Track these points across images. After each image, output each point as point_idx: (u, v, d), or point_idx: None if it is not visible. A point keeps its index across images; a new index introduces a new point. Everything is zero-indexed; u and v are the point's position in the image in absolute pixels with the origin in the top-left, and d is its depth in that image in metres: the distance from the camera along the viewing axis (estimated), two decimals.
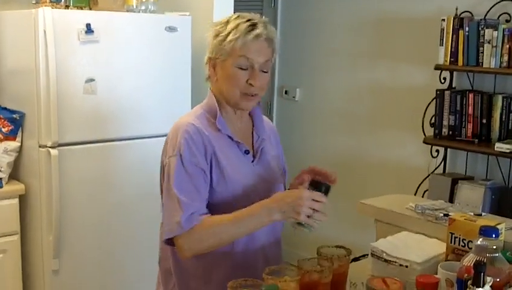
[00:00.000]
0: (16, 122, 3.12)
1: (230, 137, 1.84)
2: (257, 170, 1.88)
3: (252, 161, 1.88)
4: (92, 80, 3.07)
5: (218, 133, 1.82)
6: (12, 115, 3.11)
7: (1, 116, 3.12)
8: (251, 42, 1.77)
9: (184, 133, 1.77)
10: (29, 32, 2.97)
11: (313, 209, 1.65)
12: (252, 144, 1.91)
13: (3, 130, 3.10)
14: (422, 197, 3.49)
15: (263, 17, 1.85)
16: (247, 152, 1.87)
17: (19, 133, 3.14)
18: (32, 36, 2.95)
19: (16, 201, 3.09)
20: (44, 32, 2.90)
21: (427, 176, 3.66)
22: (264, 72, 1.82)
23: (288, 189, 1.94)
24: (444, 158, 3.67)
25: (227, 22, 1.81)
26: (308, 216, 1.65)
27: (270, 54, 1.83)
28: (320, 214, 1.67)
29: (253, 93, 1.82)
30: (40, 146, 3.02)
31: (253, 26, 1.79)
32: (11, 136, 3.12)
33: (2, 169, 3.08)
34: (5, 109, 3.21)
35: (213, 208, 1.76)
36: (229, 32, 1.78)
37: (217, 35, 1.81)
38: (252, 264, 1.82)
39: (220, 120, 1.83)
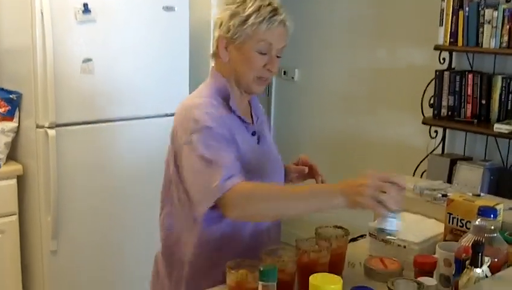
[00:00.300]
0: (13, 103, 3.10)
1: (240, 118, 1.82)
2: (262, 150, 1.88)
3: (258, 143, 1.87)
4: (89, 59, 3.05)
5: (230, 114, 1.79)
6: (10, 96, 3.10)
7: None
8: (275, 28, 1.75)
9: (204, 108, 1.72)
10: (26, 12, 2.94)
11: (382, 193, 1.46)
12: (253, 125, 1.90)
13: (0, 110, 3.08)
14: (421, 177, 3.48)
15: None
16: (254, 133, 1.86)
17: (16, 114, 3.12)
18: (29, 16, 2.92)
19: (13, 182, 3.09)
20: (41, 12, 2.87)
21: (426, 157, 3.65)
22: (278, 57, 1.80)
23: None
24: (443, 139, 3.67)
25: (244, 2, 1.75)
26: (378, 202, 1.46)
27: (286, 40, 1.81)
28: (391, 199, 1.46)
29: (268, 77, 1.81)
30: (37, 126, 3.01)
31: (275, 11, 1.76)
32: (8, 116, 3.10)
33: (0, 149, 3.07)
34: (2, 89, 3.19)
35: None
36: (250, 15, 1.73)
37: (234, 15, 1.74)
38: (258, 246, 1.77)
39: (233, 101, 1.80)
